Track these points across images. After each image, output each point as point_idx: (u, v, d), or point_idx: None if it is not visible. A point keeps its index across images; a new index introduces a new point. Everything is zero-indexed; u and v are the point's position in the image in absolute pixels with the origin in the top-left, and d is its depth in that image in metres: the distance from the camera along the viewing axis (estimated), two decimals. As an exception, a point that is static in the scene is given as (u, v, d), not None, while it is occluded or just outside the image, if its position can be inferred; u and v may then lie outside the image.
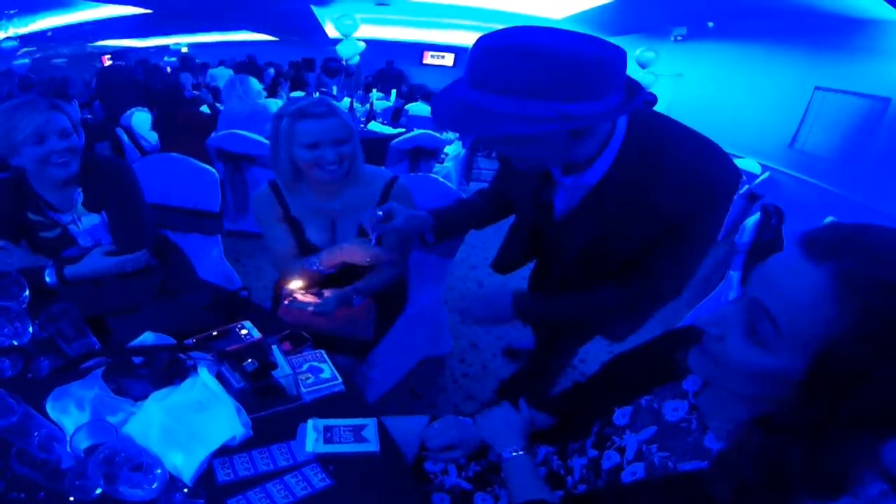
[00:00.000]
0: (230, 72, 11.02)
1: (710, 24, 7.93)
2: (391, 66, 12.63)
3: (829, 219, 3.05)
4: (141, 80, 8.33)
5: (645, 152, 1.23)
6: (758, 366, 0.73)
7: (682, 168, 1.22)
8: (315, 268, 1.84)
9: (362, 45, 9.04)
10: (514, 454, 1.21)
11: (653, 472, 0.92)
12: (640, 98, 1.09)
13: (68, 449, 1.04)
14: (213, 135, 4.28)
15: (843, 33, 5.71)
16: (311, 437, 1.18)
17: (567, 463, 1.18)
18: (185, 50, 14.75)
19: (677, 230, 1.27)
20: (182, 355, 1.34)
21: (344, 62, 8.91)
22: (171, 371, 1.29)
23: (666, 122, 1.28)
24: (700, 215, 1.25)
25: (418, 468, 1.35)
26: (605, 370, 1.30)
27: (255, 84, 4.65)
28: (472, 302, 1.62)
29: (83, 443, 1.03)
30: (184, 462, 1.09)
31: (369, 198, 1.96)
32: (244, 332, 1.52)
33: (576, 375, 3.05)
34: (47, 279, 1.72)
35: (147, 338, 1.42)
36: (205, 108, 5.13)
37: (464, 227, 1.96)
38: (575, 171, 1.32)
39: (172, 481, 1.05)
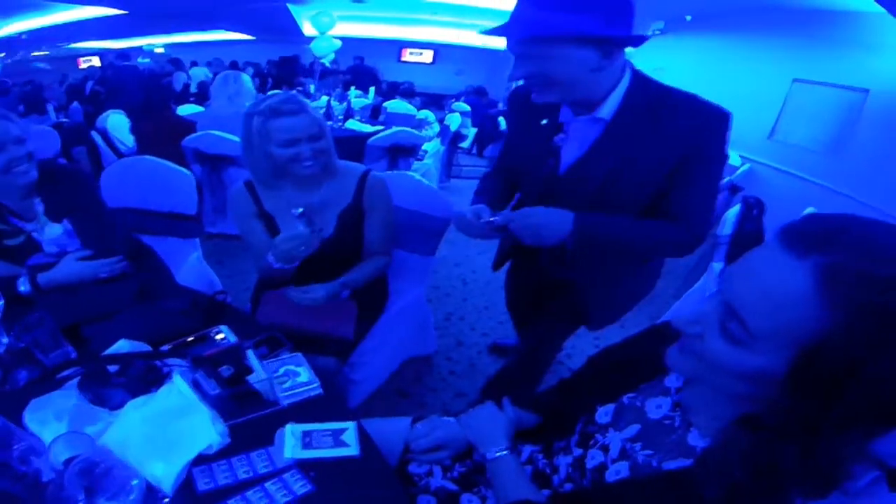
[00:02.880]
0: (206, 70, 10.94)
1: (688, 18, 7.97)
2: (361, 63, 12.58)
3: (809, 209, 3.07)
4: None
5: (650, 93, 1.44)
6: (738, 365, 0.72)
7: (684, 102, 1.42)
8: (274, 265, 1.80)
9: (338, 42, 8.99)
10: (499, 454, 1.19)
11: (637, 471, 0.91)
12: (644, 38, 1.35)
13: (48, 460, 1.02)
14: (190, 136, 4.21)
15: (821, 25, 5.76)
16: (290, 443, 1.16)
17: (553, 461, 1.17)
18: (159, 51, 14.59)
19: (694, 155, 1.42)
20: (158, 362, 1.31)
21: (320, 60, 8.87)
22: (147, 379, 1.26)
23: (655, 79, 1.48)
24: (711, 136, 1.42)
25: (403, 471, 1.33)
26: (589, 366, 1.29)
27: (248, 83, 4.54)
28: (522, 225, 1.55)
29: (62, 454, 1.01)
30: (163, 471, 1.06)
31: (344, 192, 1.99)
32: (221, 336, 1.49)
33: (563, 371, 3.05)
34: (21, 288, 1.68)
35: (122, 345, 1.40)
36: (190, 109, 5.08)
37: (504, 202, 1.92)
38: (588, 109, 1.47)
39: (152, 491, 1.03)
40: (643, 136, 1.43)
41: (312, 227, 1.71)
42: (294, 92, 1.77)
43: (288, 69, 12.20)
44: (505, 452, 1.19)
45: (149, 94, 4.62)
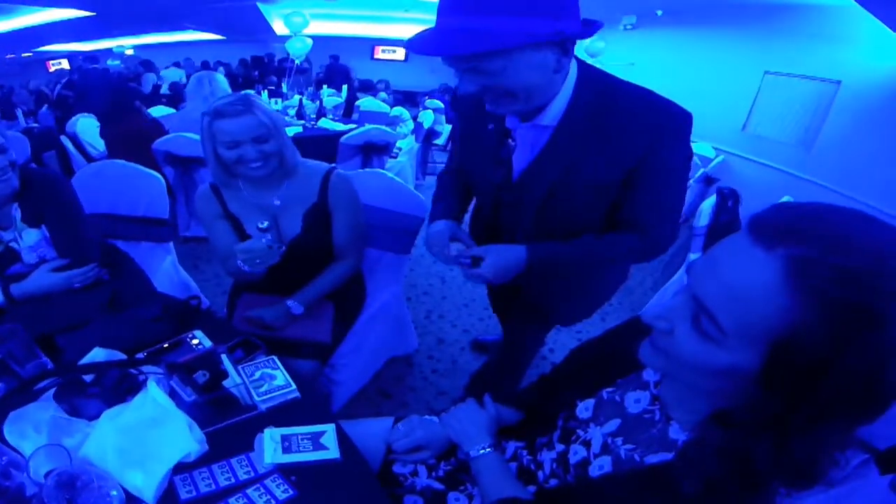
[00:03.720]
0: (181, 72, 10.80)
1: (659, 13, 8.03)
2: (336, 61, 12.52)
3: (786, 198, 3.12)
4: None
5: (599, 92, 1.31)
6: (708, 361, 0.70)
7: (637, 101, 1.31)
8: (245, 268, 1.76)
9: (309, 41, 8.94)
10: (482, 452, 1.19)
11: (620, 466, 0.90)
12: (599, 25, 1.20)
13: (29, 475, 1.00)
14: (161, 138, 4.13)
15: (792, 18, 5.83)
16: (270, 448, 1.15)
17: (537, 457, 1.16)
18: (129, 52, 14.39)
19: (650, 160, 1.32)
20: (133, 370, 1.29)
21: (292, 60, 8.82)
22: (122, 388, 1.25)
23: (607, 73, 1.36)
24: (669, 138, 1.31)
25: (388, 471, 1.33)
26: (568, 361, 1.29)
27: (223, 83, 4.43)
28: (485, 264, 1.48)
29: (42, 468, 1.00)
30: (143, 482, 1.05)
31: (308, 191, 1.95)
32: (196, 342, 1.48)
33: (546, 366, 3.06)
34: (-6, 299, 1.65)
35: (97, 354, 1.37)
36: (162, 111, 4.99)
37: (466, 203, 1.87)
38: (533, 116, 1.35)
39: (134, 502, 1.03)
40: (591, 140, 1.32)
41: (273, 244, 1.69)
42: (248, 92, 1.73)
43: (259, 69, 12.11)
44: (488, 450, 1.19)
45: (114, 97, 4.52)
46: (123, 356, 1.39)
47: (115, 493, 0.96)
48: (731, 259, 0.67)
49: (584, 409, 1.04)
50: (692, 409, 0.83)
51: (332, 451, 1.17)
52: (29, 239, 1.79)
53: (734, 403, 0.73)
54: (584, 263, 1.58)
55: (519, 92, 1.23)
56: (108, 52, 14.34)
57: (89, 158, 4.89)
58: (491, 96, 1.27)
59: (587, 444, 0.99)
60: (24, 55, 13.06)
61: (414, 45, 1.16)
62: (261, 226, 1.77)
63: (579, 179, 1.38)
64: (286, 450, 1.15)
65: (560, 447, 1.07)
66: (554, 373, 1.32)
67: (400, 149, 5.64)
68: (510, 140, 1.47)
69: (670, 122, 1.30)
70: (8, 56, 12.53)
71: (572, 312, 1.96)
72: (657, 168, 1.33)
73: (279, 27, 10.62)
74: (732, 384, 0.71)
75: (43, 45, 13.05)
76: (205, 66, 10.75)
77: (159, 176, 2.69)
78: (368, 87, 8.08)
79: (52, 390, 1.24)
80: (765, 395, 0.67)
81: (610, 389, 1.01)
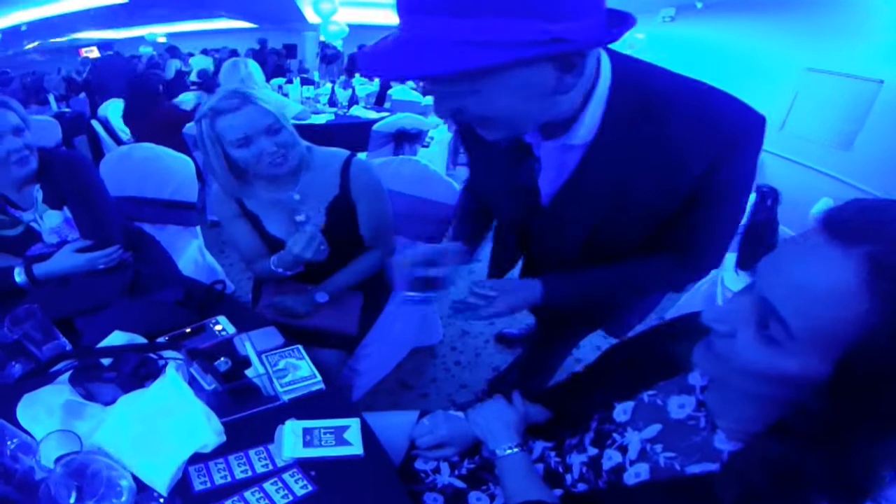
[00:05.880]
0: (209, 60, 10.88)
1: (699, 5, 7.85)
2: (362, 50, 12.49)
3: (824, 199, 3.01)
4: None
5: (642, 97, 0.99)
6: (771, 368, 0.65)
7: (695, 105, 0.99)
8: (279, 272, 1.73)
9: (346, 29, 8.92)
10: (508, 451, 1.13)
11: (657, 474, 0.85)
12: (630, 24, 0.85)
13: (39, 460, 0.99)
14: (190, 123, 4.13)
15: (835, 13, 5.65)
16: (290, 441, 1.11)
17: (565, 460, 1.11)
18: (161, 40, 14.54)
19: (711, 177, 1.01)
20: (152, 355, 1.26)
21: (326, 46, 8.82)
22: (140, 373, 1.22)
23: (652, 66, 1.04)
24: (730, 156, 0.99)
25: (409, 467, 1.28)
26: (603, 360, 1.22)
27: (257, 71, 4.32)
28: (497, 295, 1.32)
29: (53, 453, 0.98)
30: (157, 472, 1.02)
31: (327, 182, 1.82)
32: (219, 327, 1.45)
33: (570, 363, 2.99)
34: (17, 279, 1.64)
35: (116, 338, 1.35)
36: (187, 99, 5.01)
37: (485, 227, 1.66)
38: (560, 132, 1.05)
39: (146, 491, 1.00)
40: (636, 158, 1.03)
41: (316, 231, 1.65)
42: (236, 88, 1.61)
43: (290, 57, 12.13)
44: (515, 450, 1.13)
45: (134, 85, 4.54)
46: (144, 340, 1.36)
47: (125, 483, 0.93)
48: (804, 258, 0.61)
49: (621, 411, 0.98)
50: (741, 418, 0.77)
51: (355, 448, 1.12)
52: (50, 221, 1.77)
53: (789, 413, 0.67)
54: (610, 296, 1.42)
55: (501, 118, 0.92)
56: (141, 39, 14.51)
57: (120, 143, 4.92)
58: (471, 121, 0.97)
59: (623, 449, 0.93)
60: (52, 41, 13.25)
61: (365, 63, 0.86)
62: (298, 218, 1.69)
63: (628, 204, 1.10)
64: (307, 444, 1.11)
65: (593, 451, 1.01)
66: (587, 371, 1.26)
67: (432, 138, 5.58)
68: (533, 160, 1.18)
69: (739, 131, 0.98)
70: (40, 43, 12.75)
71: (626, 321, 1.82)
72: (719, 186, 1.04)
73: (311, 15, 10.61)
74: (793, 393, 0.65)
75: (75, 33, 13.26)
76: (233, 54, 10.78)
77: (188, 159, 2.69)
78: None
79: (68, 374, 1.21)
80: (829, 405, 0.61)
81: (651, 392, 0.94)
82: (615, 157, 1.04)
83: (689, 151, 0.99)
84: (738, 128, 0.98)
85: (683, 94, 0.99)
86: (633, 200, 1.09)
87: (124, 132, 5.02)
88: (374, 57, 0.85)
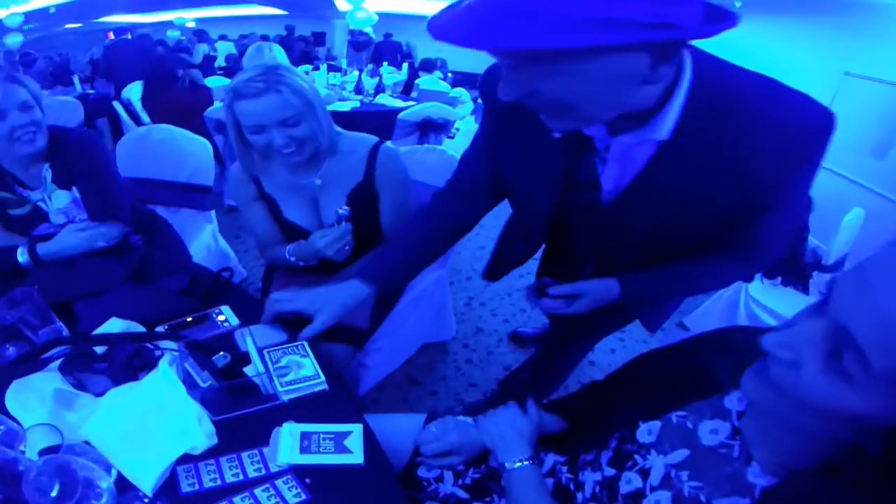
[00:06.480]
0: (231, 44, 10.90)
1: (738, 4, 7.68)
2: (388, 39, 12.37)
3: (856, 209, 2.89)
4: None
5: (720, 95, 0.95)
6: (835, 403, 0.55)
7: (771, 104, 0.94)
8: (291, 260, 1.68)
9: (374, 17, 8.88)
10: (518, 464, 1.07)
11: None
12: (732, 21, 0.78)
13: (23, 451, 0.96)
14: (212, 107, 4.11)
15: (875, 16, 5.48)
16: (286, 446, 1.04)
17: (578, 476, 1.03)
18: (190, 24, 14.59)
19: (785, 178, 1.00)
20: (149, 345, 1.20)
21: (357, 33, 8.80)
22: (134, 364, 1.16)
23: (731, 64, 0.99)
24: (803, 157, 0.97)
25: (410, 474, 1.22)
26: (628, 370, 1.13)
27: (282, 56, 4.17)
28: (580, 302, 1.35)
29: (38, 444, 0.96)
30: (143, 471, 0.96)
31: (352, 168, 1.75)
32: (222, 318, 1.39)
33: (583, 365, 2.91)
34: (20, 258, 1.61)
35: (114, 325, 1.30)
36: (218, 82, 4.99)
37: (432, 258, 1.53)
38: (634, 125, 0.99)
39: (131, 490, 0.95)
40: (710, 157, 0.99)
41: (348, 230, 1.61)
42: (268, 68, 1.52)
43: (319, 45, 12.10)
44: (526, 463, 1.06)
45: (150, 69, 4.53)
46: (142, 329, 1.31)
47: (104, 484, 0.87)
48: (888, 283, 0.51)
49: (646, 431, 0.89)
50: (781, 450, 0.68)
51: (355, 456, 1.05)
52: (59, 201, 1.73)
53: (842, 453, 0.59)
54: (681, 292, 1.46)
55: (573, 106, 0.85)
56: (169, 23, 14.58)
57: (141, 125, 4.92)
58: (545, 108, 0.91)
59: (645, 472, 0.85)
60: (74, 25, 13.36)
61: (438, 27, 0.77)
62: (340, 210, 1.63)
63: (697, 203, 1.07)
64: (304, 449, 1.05)
65: (610, 471, 0.93)
66: (609, 381, 1.17)
67: (458, 129, 5.52)
68: (594, 154, 1.12)
69: (813, 131, 0.95)
70: (69, 26, 12.86)
71: (663, 312, 1.74)
72: (790, 188, 1.04)
73: (341, 3, 10.55)
74: (852, 433, 0.57)
75: (104, 16, 13.35)
76: (264, 39, 10.79)
77: (206, 142, 2.65)
78: (430, 67, 7.95)
79: (60, 361, 1.16)
80: (892, 452, 0.53)
81: (681, 413, 0.85)
82: (690, 156, 1.01)
83: (765, 158, 0.96)
84: (814, 131, 0.95)
85: (762, 95, 0.95)
86: (704, 200, 1.06)
87: (147, 114, 5.02)
88: (461, 23, 0.76)
